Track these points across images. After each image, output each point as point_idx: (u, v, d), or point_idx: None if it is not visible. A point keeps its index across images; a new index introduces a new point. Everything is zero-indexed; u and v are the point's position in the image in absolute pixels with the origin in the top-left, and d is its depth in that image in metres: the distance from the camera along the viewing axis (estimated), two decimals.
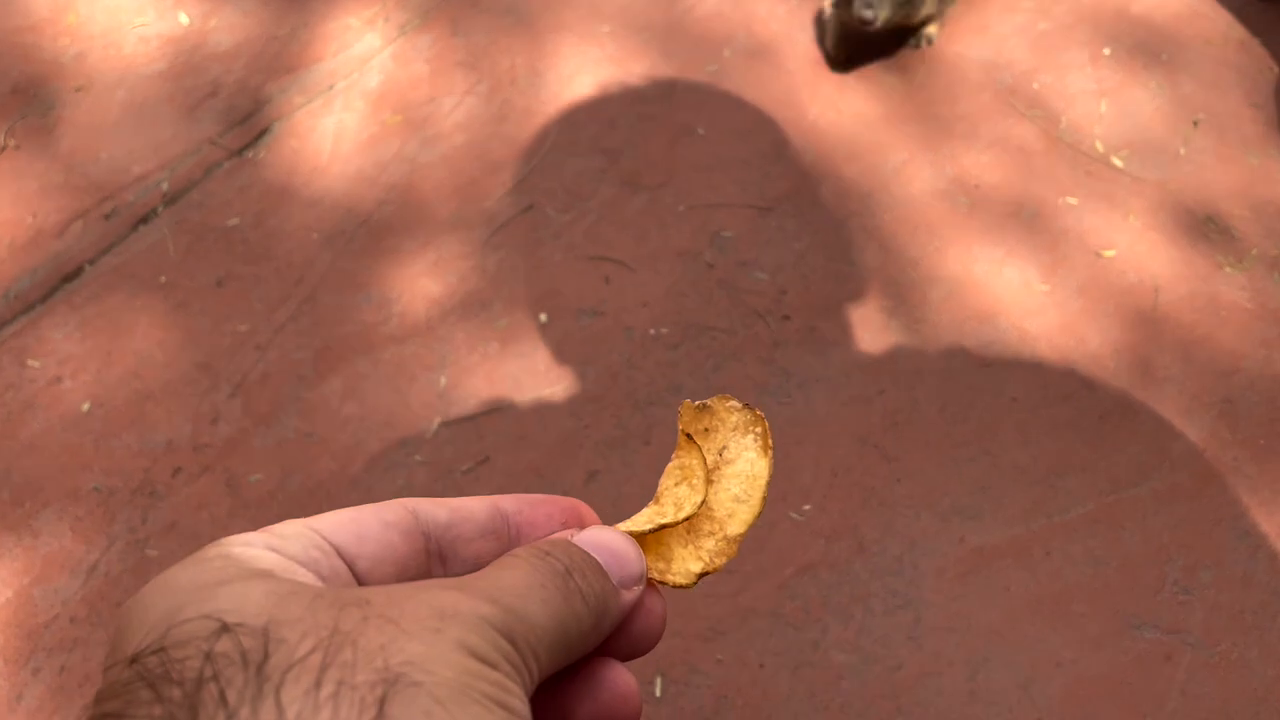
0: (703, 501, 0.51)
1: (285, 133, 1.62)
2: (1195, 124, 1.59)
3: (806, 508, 1.30)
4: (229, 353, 1.41)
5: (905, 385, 1.38)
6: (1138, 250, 1.48)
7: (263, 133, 1.62)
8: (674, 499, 0.51)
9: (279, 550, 0.34)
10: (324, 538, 0.35)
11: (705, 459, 0.54)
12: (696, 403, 0.52)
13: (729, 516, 0.51)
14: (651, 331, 1.44)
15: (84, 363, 1.40)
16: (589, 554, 0.38)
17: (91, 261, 1.49)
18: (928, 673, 1.18)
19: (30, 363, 1.40)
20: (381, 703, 0.28)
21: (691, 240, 1.52)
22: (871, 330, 1.43)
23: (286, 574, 0.33)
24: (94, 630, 1.21)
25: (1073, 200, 1.53)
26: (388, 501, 0.38)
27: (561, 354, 1.43)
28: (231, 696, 0.28)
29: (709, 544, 0.51)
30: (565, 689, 0.37)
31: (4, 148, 1.59)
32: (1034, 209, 1.52)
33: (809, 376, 1.40)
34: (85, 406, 1.37)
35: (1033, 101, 1.62)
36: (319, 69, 1.67)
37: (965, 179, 1.55)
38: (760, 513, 0.52)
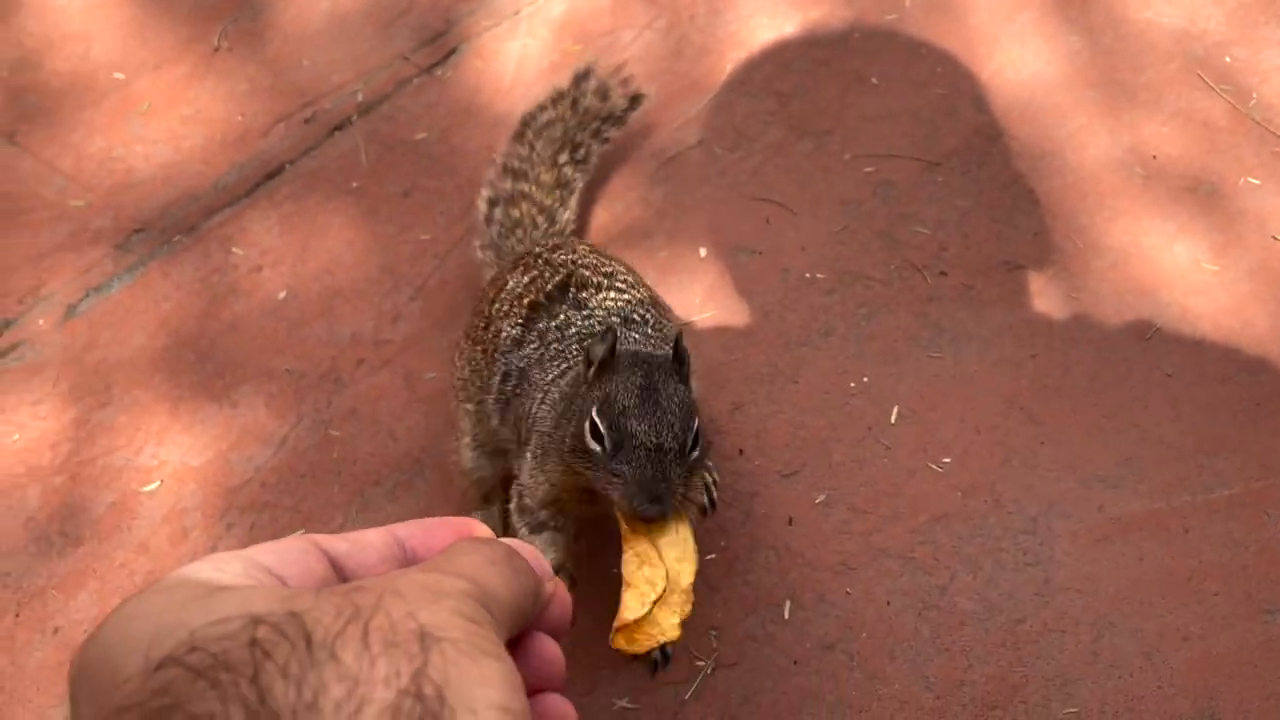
0: (667, 572, 0.73)
1: (472, 53, 1.69)
2: None
3: (947, 461, 1.33)
4: (411, 259, 1.51)
5: (1058, 350, 1.39)
6: None
7: (451, 52, 1.70)
8: (645, 579, 0.73)
9: (226, 571, 0.39)
10: (255, 561, 0.41)
11: (654, 542, 0.75)
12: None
13: (679, 575, 0.74)
14: (807, 275, 1.48)
15: (282, 255, 1.52)
16: (516, 548, 0.46)
17: (291, 162, 1.61)
18: (1051, 629, 1.22)
19: (235, 250, 1.53)
20: (426, 653, 0.35)
21: (855, 189, 1.55)
22: (1029, 293, 1.44)
23: (249, 585, 0.39)
24: (281, 496, 1.35)
25: (1254, 181, 1.49)
26: (291, 536, 0.44)
27: (717, 288, 1.49)
28: (294, 667, 0.34)
29: (675, 599, 0.72)
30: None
31: (217, 48, 1.72)
32: (1212, 186, 1.49)
33: (961, 333, 1.42)
34: (281, 295, 1.49)
35: (1223, 75, 1.57)
36: None
37: (1143, 149, 1.53)
38: (698, 561, 0.80)
